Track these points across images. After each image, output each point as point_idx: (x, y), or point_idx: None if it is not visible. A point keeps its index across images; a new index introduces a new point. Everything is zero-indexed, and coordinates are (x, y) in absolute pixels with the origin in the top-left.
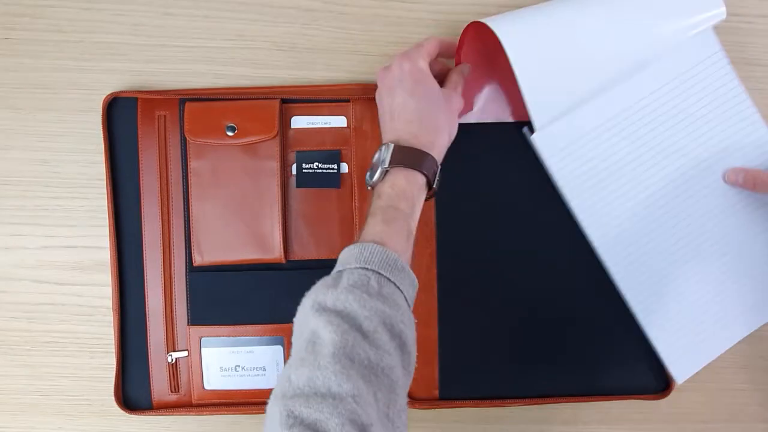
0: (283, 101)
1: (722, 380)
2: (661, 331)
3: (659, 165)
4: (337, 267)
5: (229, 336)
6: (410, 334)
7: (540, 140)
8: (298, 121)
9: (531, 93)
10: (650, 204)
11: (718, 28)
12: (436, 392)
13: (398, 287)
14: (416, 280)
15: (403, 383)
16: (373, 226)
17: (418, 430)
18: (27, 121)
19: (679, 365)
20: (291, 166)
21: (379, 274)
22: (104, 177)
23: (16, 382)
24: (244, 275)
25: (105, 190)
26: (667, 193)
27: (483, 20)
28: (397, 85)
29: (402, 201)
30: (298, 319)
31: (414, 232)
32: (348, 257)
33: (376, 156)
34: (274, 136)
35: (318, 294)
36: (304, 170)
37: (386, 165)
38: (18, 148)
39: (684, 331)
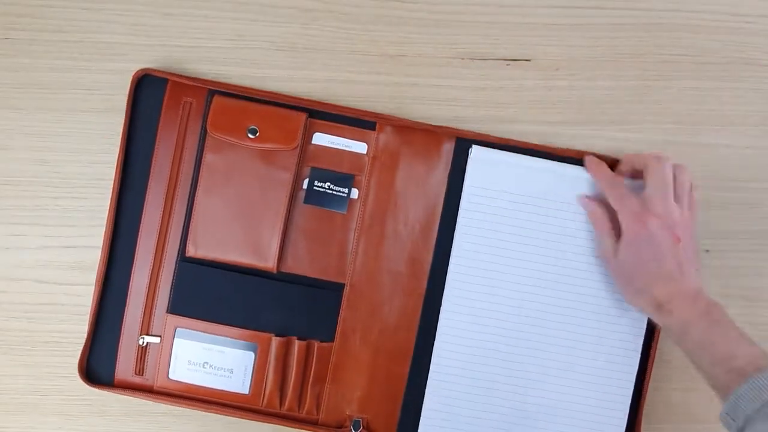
0: (310, 115)
1: None
2: (437, 397)
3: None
4: None
5: (204, 332)
6: None
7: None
8: (320, 138)
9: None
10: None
11: (719, 28)
12: (395, 429)
13: None
14: None
15: None
16: None
17: None
18: (27, 121)
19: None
20: (303, 180)
21: None
22: (104, 175)
23: (16, 382)
24: (233, 276)
25: (104, 189)
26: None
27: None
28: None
29: None
30: None
31: None
32: None
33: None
34: (294, 149)
35: None
36: (315, 187)
37: None
38: (18, 148)
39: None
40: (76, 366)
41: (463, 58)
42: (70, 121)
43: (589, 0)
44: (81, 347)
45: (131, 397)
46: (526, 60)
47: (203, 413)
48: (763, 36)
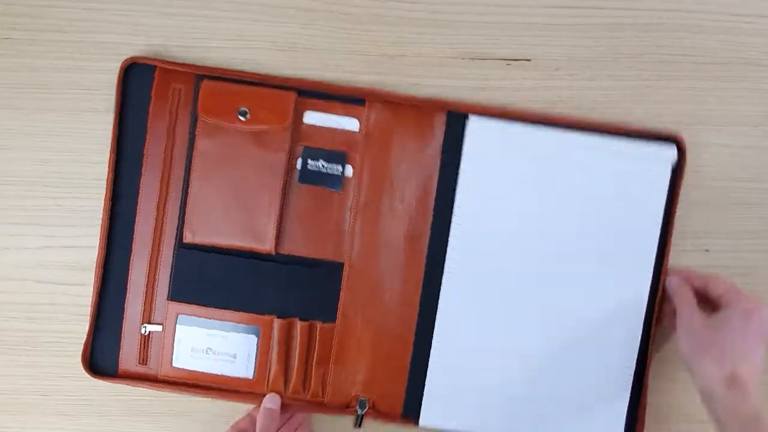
0: (300, 94)
1: None
2: (442, 369)
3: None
4: None
5: (206, 317)
6: None
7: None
8: (311, 117)
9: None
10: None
11: (719, 28)
12: (400, 408)
13: None
14: None
15: None
16: None
17: None
18: (27, 121)
19: (431, 411)
20: (296, 159)
21: None
22: (104, 175)
23: (16, 382)
24: (231, 260)
25: (104, 189)
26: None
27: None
28: None
29: None
30: None
31: None
32: None
33: None
34: (285, 128)
35: None
36: (308, 166)
37: None
38: (18, 148)
39: (459, 388)
40: (79, 358)
41: (463, 58)
42: (70, 121)
43: (589, 0)
44: (81, 346)
45: (132, 395)
46: (526, 60)
47: (203, 412)
48: (763, 36)
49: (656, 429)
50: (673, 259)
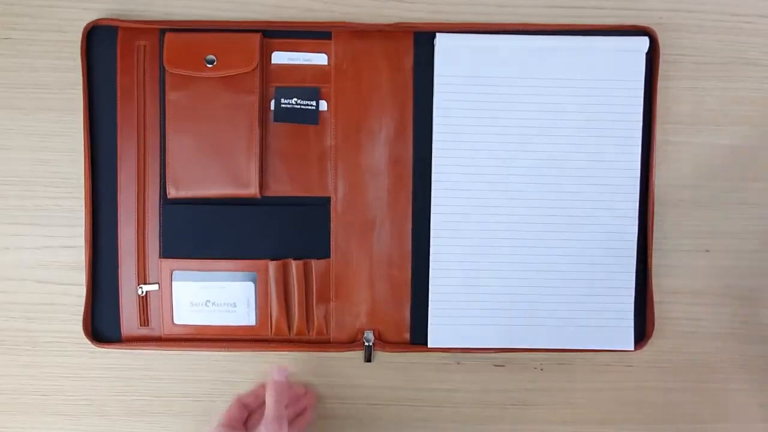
0: (265, 35)
1: (722, 380)
2: (444, 289)
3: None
4: None
5: (200, 270)
6: None
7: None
8: (279, 57)
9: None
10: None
11: (719, 28)
12: (407, 336)
13: None
14: None
15: None
16: None
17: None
18: (27, 121)
19: (438, 331)
20: (270, 101)
21: None
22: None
23: (16, 382)
24: (218, 209)
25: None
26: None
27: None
28: None
29: None
30: None
31: None
32: None
33: None
34: (253, 70)
35: None
36: (282, 105)
37: None
38: (18, 148)
39: (458, 305)
40: (81, 330)
41: None
42: (71, 121)
43: (589, 0)
44: (81, 346)
45: (132, 395)
46: None
47: (203, 412)
48: (763, 36)
49: (658, 428)
50: (674, 260)
